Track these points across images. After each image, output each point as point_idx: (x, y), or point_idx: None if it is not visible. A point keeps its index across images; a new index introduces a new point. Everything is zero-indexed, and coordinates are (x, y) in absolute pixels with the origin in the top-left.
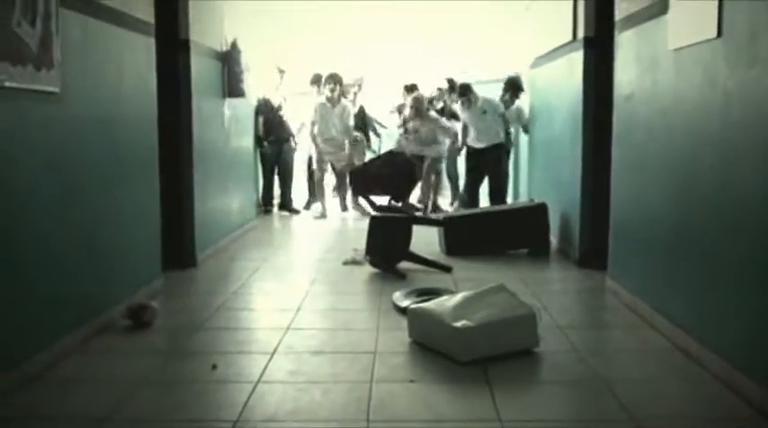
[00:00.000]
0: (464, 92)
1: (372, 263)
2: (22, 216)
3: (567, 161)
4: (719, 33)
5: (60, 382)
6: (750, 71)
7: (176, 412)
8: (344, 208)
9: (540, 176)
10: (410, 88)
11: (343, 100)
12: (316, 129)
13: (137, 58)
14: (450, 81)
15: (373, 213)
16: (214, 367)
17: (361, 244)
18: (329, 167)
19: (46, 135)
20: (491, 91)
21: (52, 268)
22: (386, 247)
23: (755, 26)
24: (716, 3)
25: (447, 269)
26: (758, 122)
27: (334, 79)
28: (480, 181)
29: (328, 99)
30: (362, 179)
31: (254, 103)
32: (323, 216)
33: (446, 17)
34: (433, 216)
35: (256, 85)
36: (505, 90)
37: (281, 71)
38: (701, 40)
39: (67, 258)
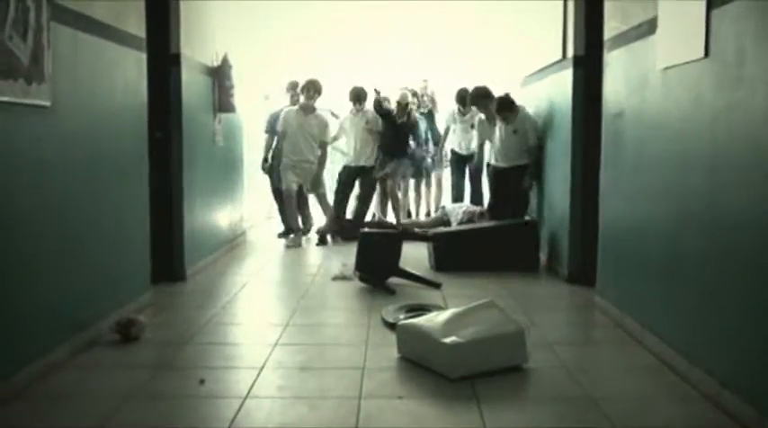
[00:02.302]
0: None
1: (362, 279)
2: (10, 229)
3: (556, 178)
4: (707, 54)
5: (47, 397)
6: (737, 91)
7: (163, 427)
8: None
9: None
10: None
11: (319, 110)
12: (283, 143)
13: (128, 73)
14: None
15: (364, 229)
16: (202, 382)
17: (351, 259)
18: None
19: (36, 149)
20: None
21: (39, 281)
22: (376, 263)
23: (742, 47)
24: (703, 23)
25: (436, 285)
26: (745, 142)
27: (315, 87)
28: (504, 201)
29: (302, 107)
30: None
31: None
32: (297, 244)
33: (437, 33)
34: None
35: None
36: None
37: (266, 98)
38: (688, 60)
39: (55, 271)
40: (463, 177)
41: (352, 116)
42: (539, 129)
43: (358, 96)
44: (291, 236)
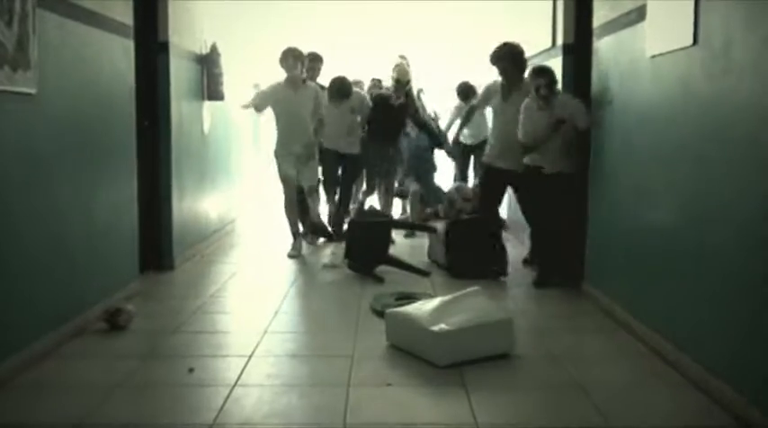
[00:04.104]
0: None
1: (351, 267)
2: None
3: None
4: (695, 41)
5: (33, 387)
6: (725, 79)
7: (152, 416)
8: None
9: None
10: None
11: (309, 82)
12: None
13: (115, 60)
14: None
15: (352, 217)
16: (191, 370)
17: (341, 247)
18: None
19: (21, 136)
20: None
21: (26, 270)
22: (365, 251)
23: (730, 34)
24: (692, 11)
25: (425, 273)
26: (733, 129)
27: (294, 54)
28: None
29: (288, 81)
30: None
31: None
32: (299, 252)
33: (427, 23)
34: None
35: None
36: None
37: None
38: (677, 47)
39: (42, 260)
40: (467, 168)
41: (332, 106)
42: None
43: (341, 91)
44: (292, 242)
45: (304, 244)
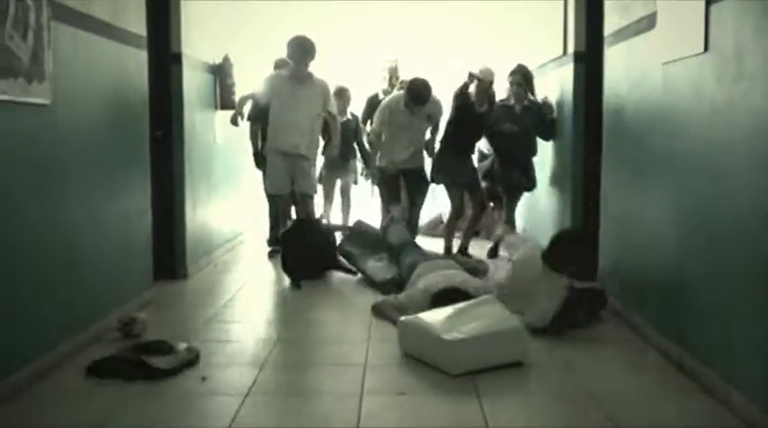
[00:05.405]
0: None
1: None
2: (11, 227)
3: (558, 172)
4: (706, 48)
5: (48, 396)
6: (736, 85)
7: (165, 424)
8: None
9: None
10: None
11: (315, 76)
12: (269, 121)
13: (128, 71)
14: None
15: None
16: (203, 379)
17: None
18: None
19: (36, 147)
20: None
21: (40, 280)
22: (311, 259)
23: (741, 41)
24: (702, 18)
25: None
26: (745, 136)
27: (301, 45)
28: None
29: (293, 74)
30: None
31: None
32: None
33: (438, 35)
34: None
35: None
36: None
37: None
38: (688, 54)
39: (56, 269)
40: None
41: (403, 109)
42: None
43: (423, 97)
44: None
45: None
